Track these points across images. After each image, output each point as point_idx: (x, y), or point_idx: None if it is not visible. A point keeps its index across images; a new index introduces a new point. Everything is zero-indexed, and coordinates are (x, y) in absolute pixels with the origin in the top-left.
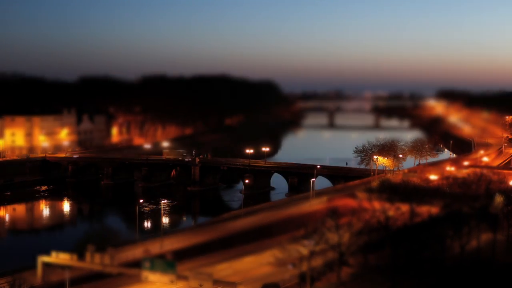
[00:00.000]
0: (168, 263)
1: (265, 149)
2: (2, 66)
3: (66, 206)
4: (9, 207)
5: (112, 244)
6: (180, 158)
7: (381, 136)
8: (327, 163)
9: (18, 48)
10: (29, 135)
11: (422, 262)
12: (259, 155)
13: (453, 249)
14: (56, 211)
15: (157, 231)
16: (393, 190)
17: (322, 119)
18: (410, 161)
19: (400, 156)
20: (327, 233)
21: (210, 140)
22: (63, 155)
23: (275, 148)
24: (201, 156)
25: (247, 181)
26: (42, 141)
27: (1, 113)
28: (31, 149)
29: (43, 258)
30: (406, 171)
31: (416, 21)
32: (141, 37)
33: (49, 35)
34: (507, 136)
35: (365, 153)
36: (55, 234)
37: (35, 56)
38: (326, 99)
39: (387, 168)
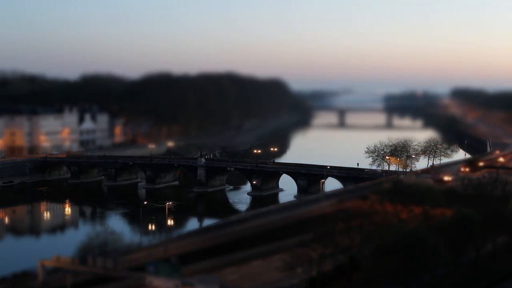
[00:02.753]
0: (173, 267)
1: (273, 149)
2: (2, 63)
3: (67, 208)
4: (9, 209)
5: (115, 248)
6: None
7: (394, 135)
8: (337, 164)
9: (18, 45)
10: (29, 134)
11: (436, 266)
12: (267, 156)
13: (467, 253)
14: (57, 213)
15: (162, 234)
16: (406, 192)
17: (332, 118)
18: (423, 162)
19: (413, 156)
20: (337, 236)
21: (217, 140)
22: (64, 155)
23: (284, 148)
24: (207, 157)
25: (254, 182)
26: (43, 141)
27: (1, 112)
28: (31, 149)
29: (44, 262)
30: (419, 172)
31: (430, 17)
32: (145, 34)
33: (50, 32)
34: None
35: (377, 153)
36: (56, 237)
37: (36, 53)
38: (336, 97)
39: (399, 169)
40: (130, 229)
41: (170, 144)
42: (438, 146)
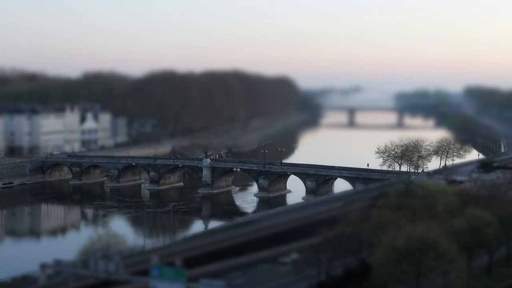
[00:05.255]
0: (177, 271)
1: (281, 149)
2: (1, 61)
3: (68, 210)
4: (8, 211)
5: (118, 251)
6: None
7: (405, 135)
8: (346, 164)
9: (17, 41)
10: (29, 134)
11: (448, 270)
12: (274, 156)
13: (480, 256)
14: (58, 215)
15: (166, 236)
16: (418, 194)
17: (342, 117)
18: (435, 162)
19: (425, 157)
20: (347, 240)
21: (222, 139)
22: (65, 155)
23: (292, 149)
24: (212, 157)
25: (261, 183)
26: (43, 141)
27: (0, 111)
28: (32, 149)
29: (44, 266)
30: (431, 173)
31: (441, 13)
32: (149, 31)
33: (51, 28)
34: None
35: (388, 153)
36: (57, 240)
37: (36, 50)
38: (346, 95)
39: (411, 170)
40: (133, 231)
41: (175, 144)
42: (450, 146)
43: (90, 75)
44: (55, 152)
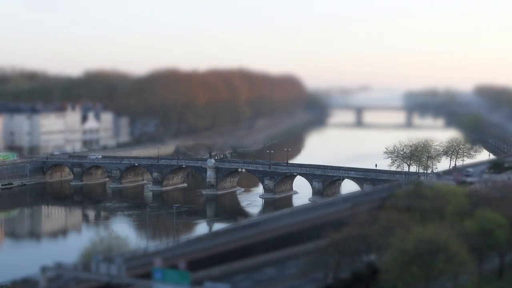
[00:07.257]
0: (181, 274)
1: (287, 149)
2: (0, 59)
3: (69, 212)
4: (8, 213)
5: (120, 253)
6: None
7: (414, 135)
8: (354, 165)
9: (17, 39)
10: (29, 134)
11: (458, 273)
12: (280, 156)
13: (491, 259)
14: (59, 217)
15: (170, 239)
16: (427, 195)
17: (349, 116)
18: (445, 163)
19: (434, 157)
20: (354, 242)
21: (227, 139)
22: (66, 156)
23: (298, 149)
24: (216, 157)
25: (267, 184)
26: (44, 141)
27: (0, 111)
28: (32, 149)
29: (45, 269)
30: (441, 173)
31: (449, 10)
32: (151, 28)
33: (51, 26)
34: None
35: (396, 154)
36: (58, 242)
37: (36, 48)
38: (353, 94)
39: (420, 171)
40: (136, 233)
41: (178, 144)
42: (460, 146)
43: (92, 74)
44: (56, 152)
